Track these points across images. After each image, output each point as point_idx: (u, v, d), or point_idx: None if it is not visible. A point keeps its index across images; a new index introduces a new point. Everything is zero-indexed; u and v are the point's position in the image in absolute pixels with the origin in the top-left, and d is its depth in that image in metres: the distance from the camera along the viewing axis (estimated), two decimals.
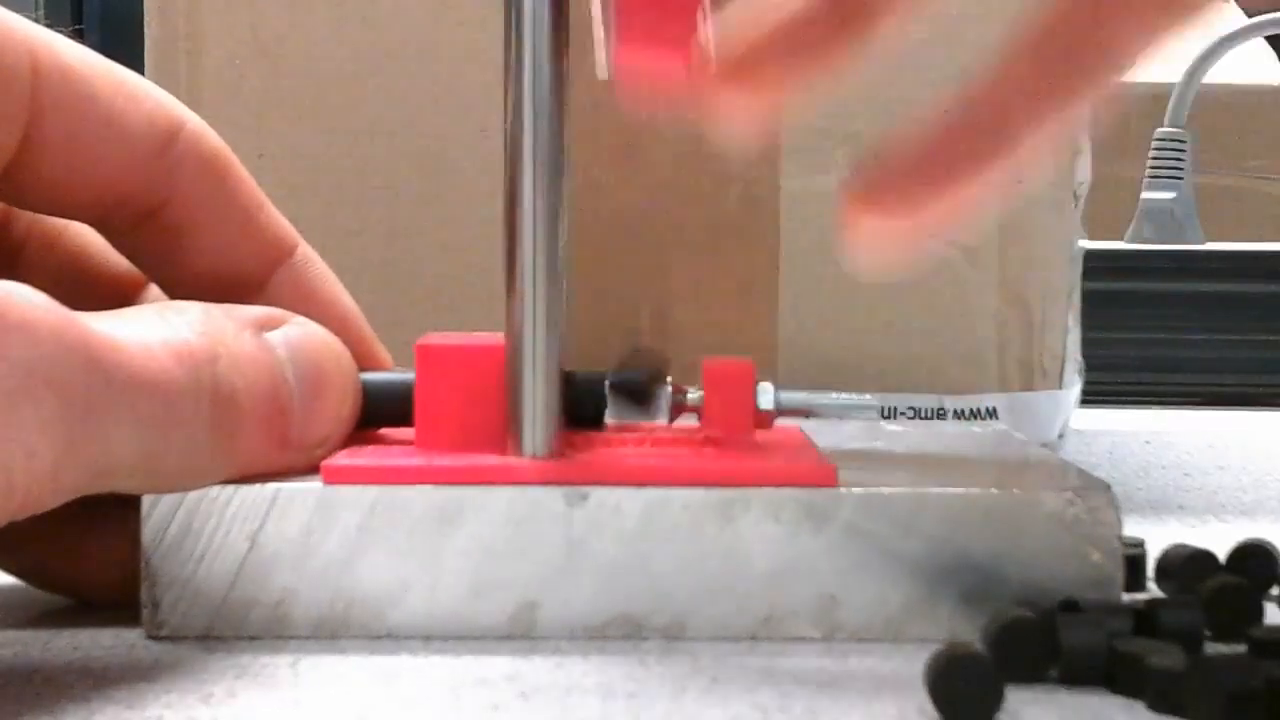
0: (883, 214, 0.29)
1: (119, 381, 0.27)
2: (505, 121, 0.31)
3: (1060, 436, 0.52)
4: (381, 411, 0.33)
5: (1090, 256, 0.54)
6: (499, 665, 0.29)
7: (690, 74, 0.30)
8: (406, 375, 0.33)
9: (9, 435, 0.26)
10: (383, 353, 0.35)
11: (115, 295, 0.34)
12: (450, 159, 0.49)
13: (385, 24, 0.49)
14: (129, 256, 0.33)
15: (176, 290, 0.33)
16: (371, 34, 0.49)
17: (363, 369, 0.33)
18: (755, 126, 0.30)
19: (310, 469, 0.31)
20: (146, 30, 0.50)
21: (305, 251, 0.34)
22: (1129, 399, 0.75)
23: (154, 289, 0.34)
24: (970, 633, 0.30)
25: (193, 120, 0.32)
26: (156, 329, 0.29)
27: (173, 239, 0.32)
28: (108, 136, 0.31)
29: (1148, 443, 0.60)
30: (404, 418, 0.33)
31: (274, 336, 0.31)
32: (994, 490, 0.31)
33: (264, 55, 0.49)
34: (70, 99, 0.31)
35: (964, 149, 0.30)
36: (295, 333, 0.32)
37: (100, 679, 0.28)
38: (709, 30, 0.30)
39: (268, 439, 0.31)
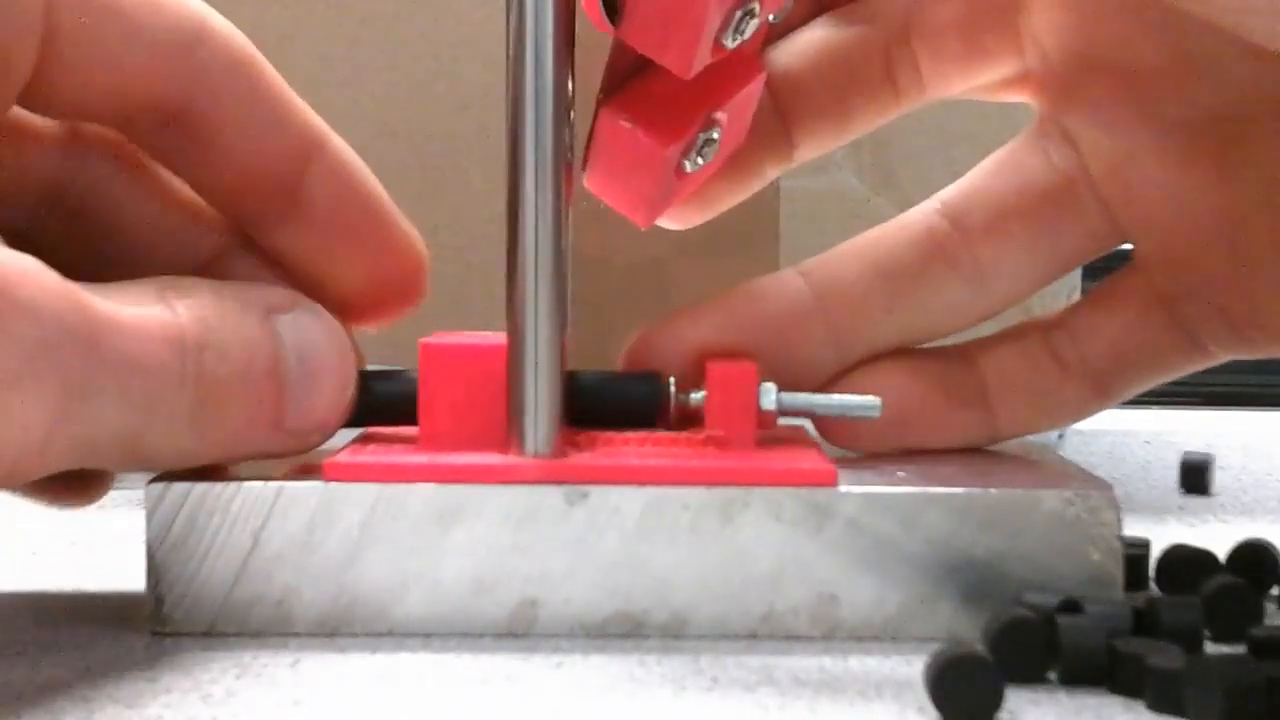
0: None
1: (112, 362, 0.28)
2: (508, 120, 0.31)
3: (1060, 436, 0.52)
4: (387, 409, 0.33)
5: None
6: (499, 665, 0.29)
7: (646, 220, 0.33)
8: (411, 374, 0.33)
9: (7, 411, 0.26)
10: (418, 242, 0.34)
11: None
12: (451, 159, 0.49)
13: (385, 24, 0.49)
14: (158, 158, 0.33)
15: (209, 191, 0.33)
16: (371, 34, 0.49)
17: (394, 255, 0.33)
18: (690, 221, 0.36)
19: (303, 453, 0.31)
20: None
21: (336, 145, 0.33)
22: (1129, 399, 0.74)
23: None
24: (971, 632, 0.30)
25: (217, 22, 0.32)
26: (155, 310, 0.29)
27: (200, 142, 0.32)
28: (129, 46, 0.31)
29: (1148, 443, 0.60)
30: (409, 416, 0.33)
31: (281, 321, 0.31)
32: (994, 490, 0.31)
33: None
34: (90, 10, 0.30)
35: None
36: (302, 318, 0.32)
37: (100, 679, 0.28)
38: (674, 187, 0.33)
39: (258, 423, 0.31)
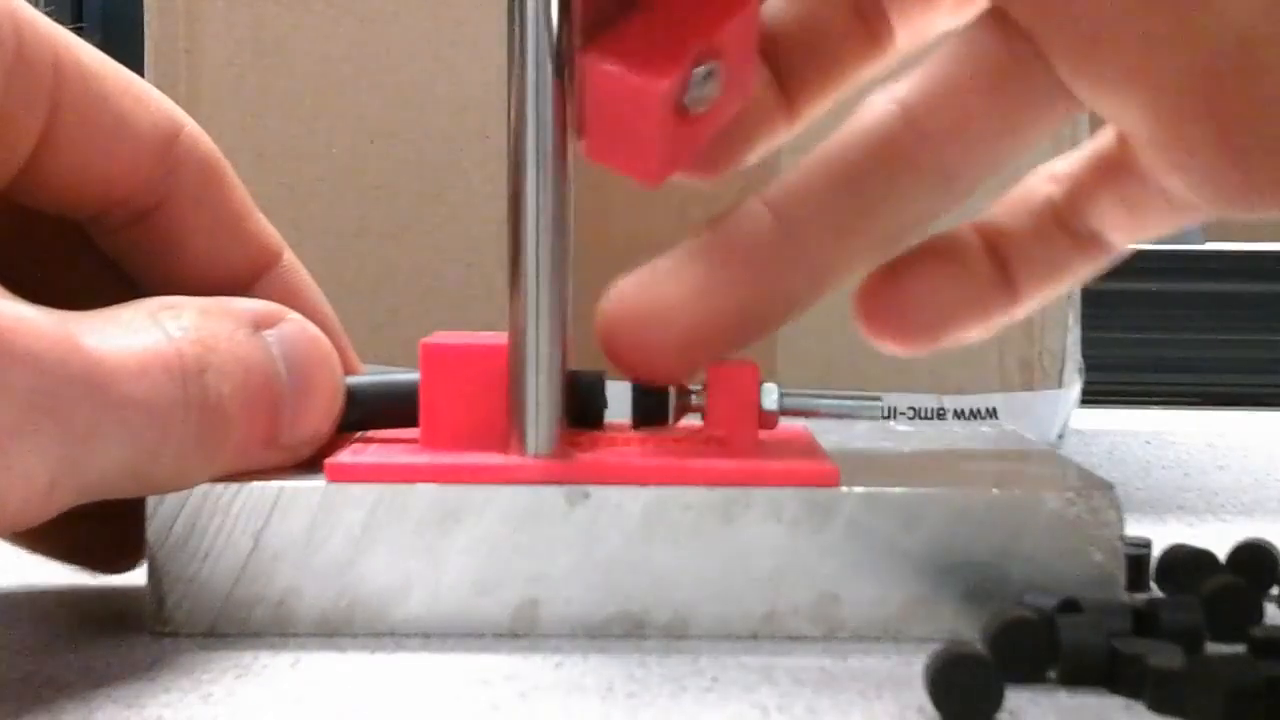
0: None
1: (114, 403, 0.28)
2: (509, 119, 0.31)
3: (1060, 436, 0.52)
4: (390, 412, 0.33)
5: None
6: (499, 665, 0.29)
7: (656, 174, 0.31)
8: (414, 376, 0.33)
9: (8, 464, 0.26)
10: (355, 361, 0.35)
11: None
12: (450, 159, 0.49)
13: (385, 24, 0.49)
14: (118, 257, 0.33)
15: (163, 292, 0.33)
16: (371, 34, 0.49)
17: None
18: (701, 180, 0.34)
19: (296, 466, 0.31)
20: (146, 30, 0.50)
21: (290, 258, 0.34)
22: (1129, 399, 0.75)
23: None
24: (972, 632, 0.30)
25: (190, 124, 0.33)
26: (150, 338, 0.29)
27: (164, 241, 0.33)
28: (117, 136, 0.31)
29: (1148, 443, 0.60)
30: (412, 419, 0.33)
31: (270, 335, 0.31)
32: (995, 490, 0.31)
33: (264, 55, 0.49)
34: (86, 98, 0.31)
35: None
36: (289, 330, 0.32)
37: (100, 679, 0.28)
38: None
39: (255, 438, 0.31)
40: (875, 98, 0.34)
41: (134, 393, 0.28)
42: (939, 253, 0.34)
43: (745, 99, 0.32)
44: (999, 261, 0.34)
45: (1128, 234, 0.35)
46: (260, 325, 0.31)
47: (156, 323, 0.30)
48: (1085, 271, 0.35)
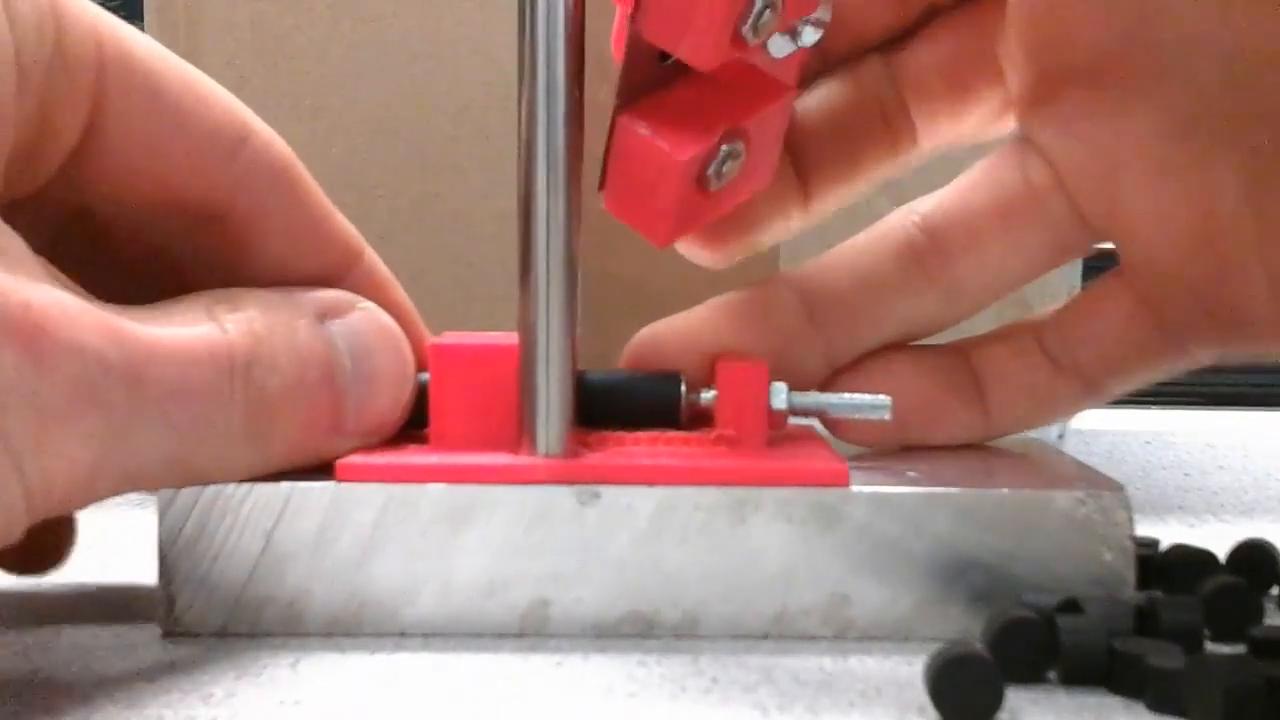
0: None
1: (155, 393, 0.28)
2: (519, 122, 0.31)
3: (1060, 436, 0.53)
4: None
5: (1090, 256, 0.54)
6: (500, 665, 0.29)
7: (664, 238, 0.33)
8: (421, 376, 0.33)
9: (52, 448, 0.26)
10: None
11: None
12: (451, 160, 0.49)
13: (385, 24, 0.49)
14: (192, 261, 0.33)
15: None
16: (372, 34, 0.49)
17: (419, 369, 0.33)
18: (709, 264, 0.36)
19: (309, 467, 0.31)
20: (146, 30, 0.50)
21: (371, 256, 0.34)
22: (1129, 399, 0.75)
23: None
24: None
25: (261, 128, 0.32)
26: (201, 329, 0.29)
27: (237, 246, 0.32)
28: (173, 134, 0.31)
29: (1148, 443, 0.60)
30: (421, 418, 0.33)
31: (335, 326, 0.31)
32: (1005, 490, 0.31)
33: (264, 55, 0.49)
34: (137, 92, 0.30)
35: None
36: (356, 319, 0.32)
37: (100, 679, 0.28)
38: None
39: (317, 429, 0.31)
40: (900, 209, 0.36)
41: (176, 385, 0.28)
42: (909, 355, 0.36)
43: (762, 184, 0.34)
44: (973, 376, 0.35)
45: (1109, 375, 0.36)
46: (327, 315, 0.31)
47: (210, 315, 0.30)
48: (1068, 403, 0.36)
